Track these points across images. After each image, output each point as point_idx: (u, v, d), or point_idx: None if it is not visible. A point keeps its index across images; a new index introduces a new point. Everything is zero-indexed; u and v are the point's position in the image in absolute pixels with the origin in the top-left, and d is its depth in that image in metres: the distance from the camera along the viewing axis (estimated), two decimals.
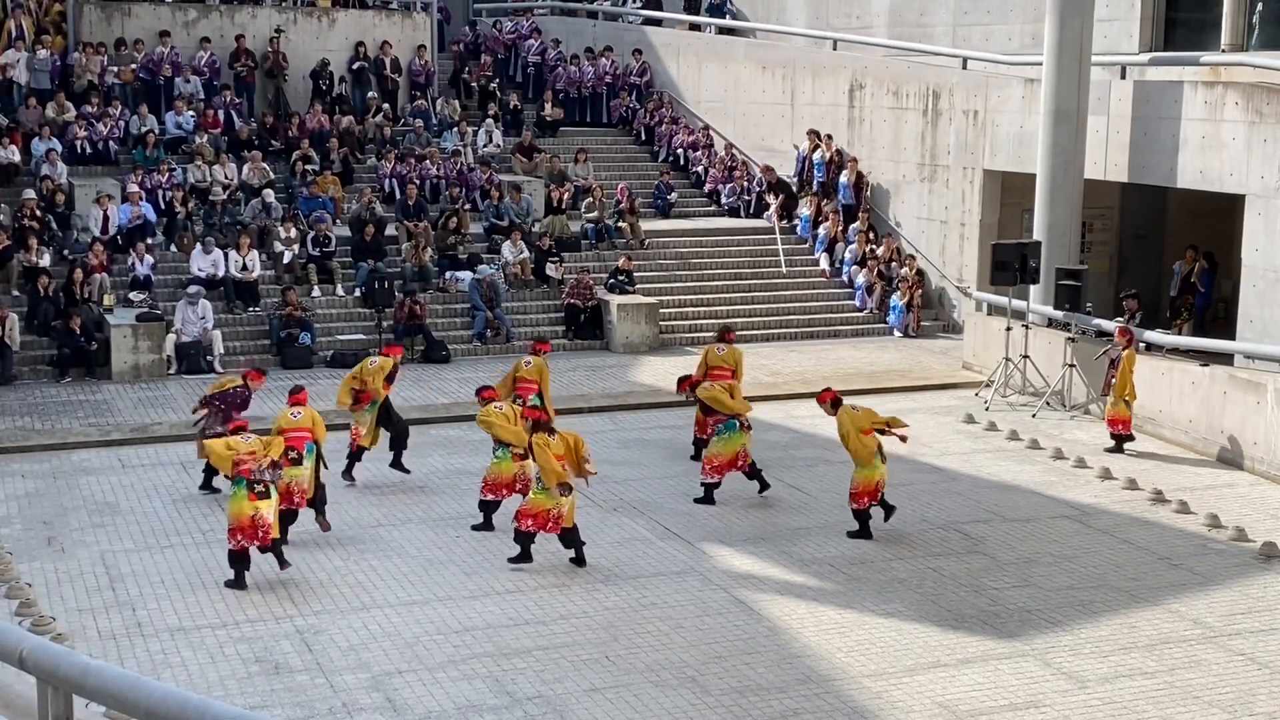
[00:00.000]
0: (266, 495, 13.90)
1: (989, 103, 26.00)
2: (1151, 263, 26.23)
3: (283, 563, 14.04)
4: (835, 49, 29.89)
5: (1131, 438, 19.24)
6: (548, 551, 14.88)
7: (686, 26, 34.25)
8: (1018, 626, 13.20)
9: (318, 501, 15.36)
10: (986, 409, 21.22)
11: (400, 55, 31.01)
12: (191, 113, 28.19)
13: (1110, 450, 19.05)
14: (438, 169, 28.16)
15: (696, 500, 16.62)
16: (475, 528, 15.54)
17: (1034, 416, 20.86)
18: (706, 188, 30.61)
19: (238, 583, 13.80)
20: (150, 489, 17.12)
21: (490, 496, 15.55)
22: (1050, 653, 12.62)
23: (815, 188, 29.08)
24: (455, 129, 29.76)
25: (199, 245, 24.63)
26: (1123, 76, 23.69)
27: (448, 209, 26.81)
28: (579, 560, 14.51)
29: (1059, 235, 22.94)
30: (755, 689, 11.81)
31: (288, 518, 14.77)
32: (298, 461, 14.90)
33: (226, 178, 26.63)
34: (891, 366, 23.85)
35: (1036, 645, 12.78)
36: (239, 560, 13.84)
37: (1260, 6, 23.22)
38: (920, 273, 27.19)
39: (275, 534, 14.02)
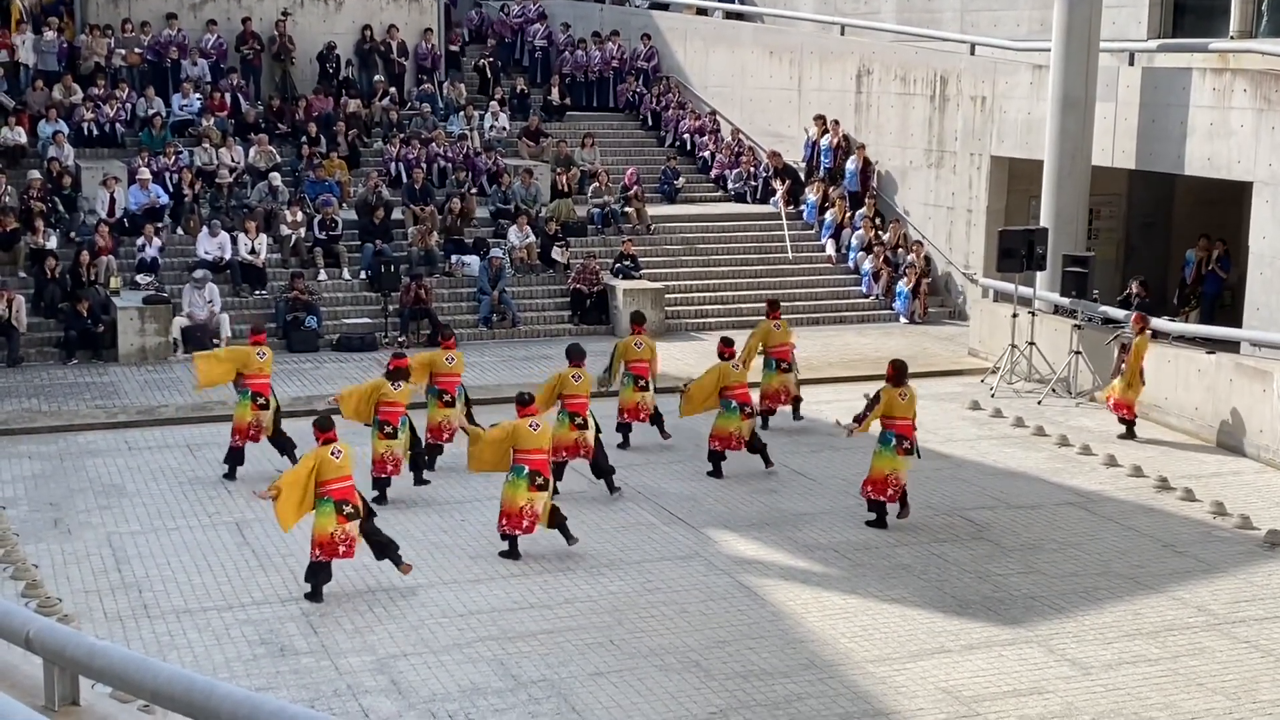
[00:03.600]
0: (266, 407, 16.61)
1: (996, 89, 25.95)
2: (1158, 250, 26.19)
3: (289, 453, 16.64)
4: (843, 34, 29.84)
5: (1132, 423, 19.27)
6: (551, 537, 14.91)
7: (694, 11, 34.18)
8: (1022, 613, 13.21)
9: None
10: (992, 395, 21.22)
11: (407, 39, 30.99)
12: (198, 95, 28.20)
13: (1121, 436, 19.05)
14: (444, 152, 28.14)
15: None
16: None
17: (1039, 403, 20.86)
18: (713, 173, 30.58)
19: (231, 475, 16.63)
20: (157, 471, 17.16)
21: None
22: (1054, 639, 12.64)
23: (822, 173, 29.05)
24: (461, 113, 29.74)
25: (205, 228, 24.64)
26: (1131, 63, 23.62)
27: (454, 193, 26.80)
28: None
29: (1066, 222, 22.92)
30: (759, 674, 11.83)
31: (381, 484, 15.88)
32: (392, 435, 15.79)
33: (233, 161, 26.64)
34: (897, 352, 23.61)
35: (1040, 631, 12.80)
36: (235, 456, 16.67)
37: None
38: (927, 259, 27.17)
39: (268, 435, 16.68)
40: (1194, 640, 12.67)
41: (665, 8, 34.67)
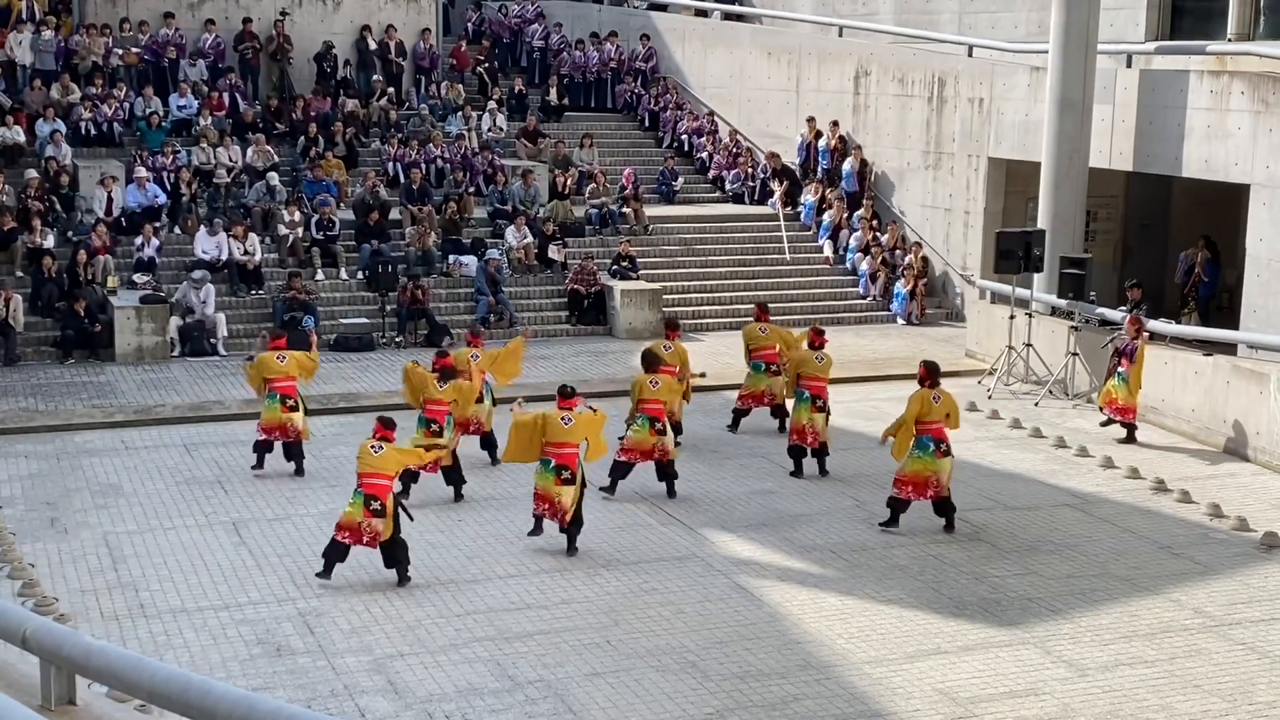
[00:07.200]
0: (296, 409, 16.87)
1: (994, 90, 25.96)
2: (1156, 252, 26.19)
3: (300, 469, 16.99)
4: (841, 36, 29.84)
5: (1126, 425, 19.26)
6: (550, 537, 14.89)
7: (692, 12, 34.18)
8: (1018, 614, 13.21)
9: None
10: (989, 397, 21.22)
11: (405, 39, 30.98)
12: (196, 95, 28.17)
13: (1121, 441, 19.00)
14: (442, 152, 28.13)
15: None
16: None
17: (1036, 405, 20.87)
18: (711, 174, 30.57)
19: (259, 464, 16.95)
20: (153, 471, 17.15)
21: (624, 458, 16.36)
22: (1050, 641, 12.64)
23: (820, 174, 29.06)
24: (459, 113, 29.73)
25: (203, 228, 24.62)
26: (1129, 65, 23.63)
27: (452, 193, 26.79)
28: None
29: (1063, 224, 22.91)
30: (756, 674, 11.84)
31: (409, 477, 15.74)
32: (438, 434, 15.88)
33: (231, 160, 26.62)
34: (895, 354, 23.84)
35: (1037, 633, 12.80)
36: (262, 447, 16.92)
37: None
38: (924, 260, 27.18)
39: (305, 438, 16.98)
40: (1190, 642, 12.68)
41: (664, 9, 34.66)
